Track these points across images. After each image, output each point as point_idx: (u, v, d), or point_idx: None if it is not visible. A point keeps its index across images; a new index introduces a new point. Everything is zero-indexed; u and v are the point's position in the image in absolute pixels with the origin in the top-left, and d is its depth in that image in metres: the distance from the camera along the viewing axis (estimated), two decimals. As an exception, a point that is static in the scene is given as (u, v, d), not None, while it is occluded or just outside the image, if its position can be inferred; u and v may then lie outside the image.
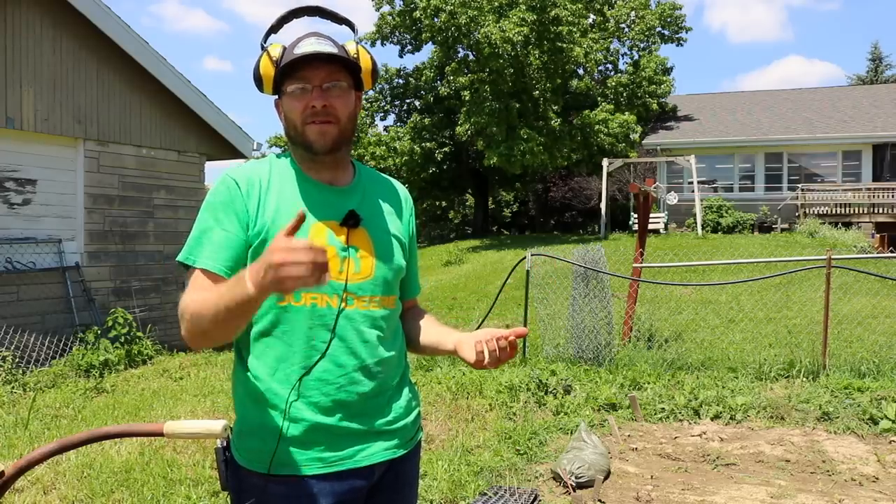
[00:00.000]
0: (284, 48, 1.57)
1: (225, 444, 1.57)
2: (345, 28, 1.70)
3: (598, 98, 25.35)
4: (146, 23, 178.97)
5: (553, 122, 22.66)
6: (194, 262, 1.51)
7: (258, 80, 1.58)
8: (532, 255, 7.47)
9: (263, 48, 1.58)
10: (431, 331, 1.76)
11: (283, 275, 1.19)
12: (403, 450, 1.65)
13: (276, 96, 1.62)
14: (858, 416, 5.14)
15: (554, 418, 5.26)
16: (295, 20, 1.66)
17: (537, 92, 22.80)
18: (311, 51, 1.52)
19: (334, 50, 1.55)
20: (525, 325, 7.34)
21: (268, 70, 1.56)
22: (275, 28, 1.62)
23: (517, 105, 22.60)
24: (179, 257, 1.54)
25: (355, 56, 1.58)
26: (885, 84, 33.37)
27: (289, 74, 1.54)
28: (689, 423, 5.22)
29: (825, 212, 21.43)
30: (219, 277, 1.50)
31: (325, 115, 1.54)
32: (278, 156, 1.66)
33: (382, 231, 1.64)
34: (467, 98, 22.84)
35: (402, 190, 1.78)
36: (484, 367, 1.55)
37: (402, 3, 26.46)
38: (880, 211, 21.11)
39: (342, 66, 1.57)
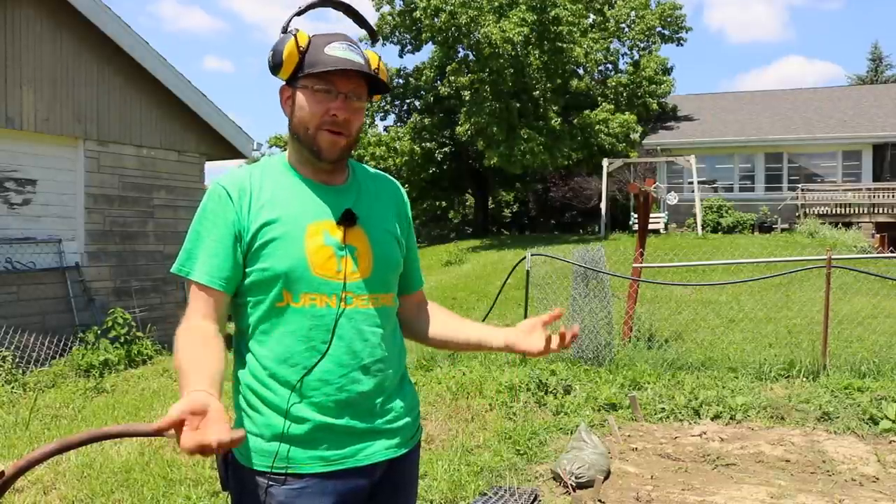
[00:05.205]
0: (310, 40, 1.55)
1: None
2: (343, 20, 1.70)
3: (599, 98, 25.33)
4: (144, 22, 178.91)
5: (553, 122, 22.66)
6: (188, 274, 1.53)
7: (278, 63, 1.54)
8: (532, 255, 7.47)
9: (286, 31, 1.54)
10: (467, 330, 1.76)
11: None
12: (404, 448, 1.65)
13: (284, 83, 1.59)
14: (858, 416, 5.14)
15: (554, 418, 5.25)
16: (318, 8, 1.63)
17: (537, 92, 22.79)
18: (344, 56, 1.51)
19: (363, 62, 1.54)
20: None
21: (292, 56, 1.53)
22: (301, 12, 1.59)
23: (517, 105, 22.59)
24: (174, 268, 1.56)
25: (376, 70, 1.58)
26: (886, 84, 33.36)
27: (315, 71, 1.52)
28: (689, 423, 5.22)
29: (825, 212, 21.43)
30: (214, 291, 1.52)
31: (341, 127, 1.54)
32: (270, 158, 1.66)
33: (379, 228, 1.64)
34: (467, 98, 22.83)
35: (396, 185, 1.77)
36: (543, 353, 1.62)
37: (402, 3, 26.44)
38: (880, 211, 21.11)
39: (366, 80, 1.57)
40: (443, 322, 1.79)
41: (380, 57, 1.62)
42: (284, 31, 1.55)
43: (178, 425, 1.18)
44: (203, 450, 1.16)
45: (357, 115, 1.57)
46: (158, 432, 1.19)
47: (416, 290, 1.81)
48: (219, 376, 1.39)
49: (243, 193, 1.55)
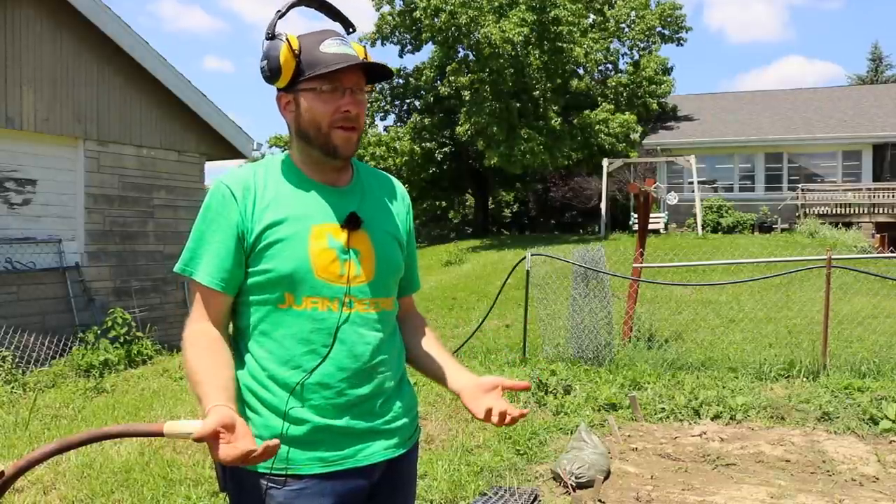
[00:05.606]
0: (299, 41, 1.53)
1: None
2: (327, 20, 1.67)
3: (599, 98, 25.33)
4: (144, 22, 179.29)
5: (553, 122, 22.66)
6: (192, 275, 1.53)
7: (275, 70, 1.51)
8: (532, 255, 7.47)
9: (275, 36, 1.52)
10: (436, 360, 1.73)
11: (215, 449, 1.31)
12: (403, 449, 1.65)
13: (282, 90, 1.57)
14: (858, 416, 5.14)
15: (554, 418, 5.25)
16: (294, 8, 1.62)
17: (537, 92, 22.80)
18: (343, 52, 1.51)
19: (356, 55, 1.54)
20: (525, 325, 7.34)
21: (289, 62, 1.50)
22: (283, 14, 1.57)
23: (517, 105, 22.59)
24: (177, 268, 1.56)
25: (364, 58, 1.57)
26: (886, 84, 33.36)
27: (321, 72, 1.50)
28: (689, 423, 5.22)
29: (825, 212, 21.43)
30: (217, 293, 1.53)
31: (353, 122, 1.54)
32: (273, 157, 1.64)
33: (382, 232, 1.63)
34: (467, 98, 22.83)
35: (399, 186, 1.77)
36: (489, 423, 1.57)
37: (402, 3, 26.43)
38: (880, 211, 21.11)
39: (365, 73, 1.57)
40: (423, 343, 1.77)
41: (365, 48, 1.61)
42: (271, 37, 1.52)
43: (214, 437, 1.29)
44: (246, 457, 1.28)
45: (363, 108, 1.58)
46: (200, 439, 1.30)
47: (408, 295, 1.80)
48: (231, 383, 1.46)
49: (247, 192, 1.54)
